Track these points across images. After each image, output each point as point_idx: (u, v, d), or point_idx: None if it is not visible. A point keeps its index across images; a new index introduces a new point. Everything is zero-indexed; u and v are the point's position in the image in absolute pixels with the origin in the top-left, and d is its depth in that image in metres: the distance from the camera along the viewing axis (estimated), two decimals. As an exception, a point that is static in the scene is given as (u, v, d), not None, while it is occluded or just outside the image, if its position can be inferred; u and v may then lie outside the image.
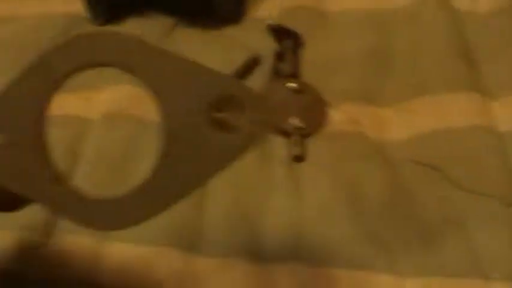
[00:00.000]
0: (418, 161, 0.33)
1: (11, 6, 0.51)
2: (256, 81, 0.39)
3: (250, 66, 0.39)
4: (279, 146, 0.36)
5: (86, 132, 0.39)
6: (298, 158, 0.34)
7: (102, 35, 0.19)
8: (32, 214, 0.32)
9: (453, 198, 0.32)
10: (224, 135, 0.18)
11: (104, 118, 0.39)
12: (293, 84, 0.37)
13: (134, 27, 0.46)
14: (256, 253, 0.31)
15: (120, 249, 0.32)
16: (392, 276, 0.29)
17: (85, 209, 0.19)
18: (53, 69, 0.19)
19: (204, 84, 0.18)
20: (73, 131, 0.39)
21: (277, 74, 0.39)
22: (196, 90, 0.18)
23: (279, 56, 0.39)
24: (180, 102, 0.18)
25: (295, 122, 0.35)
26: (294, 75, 0.38)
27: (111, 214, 0.19)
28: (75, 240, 0.33)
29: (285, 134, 0.35)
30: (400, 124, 0.36)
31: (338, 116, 0.37)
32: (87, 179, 0.36)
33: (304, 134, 0.35)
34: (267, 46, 0.41)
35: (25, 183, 0.19)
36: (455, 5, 0.42)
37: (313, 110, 0.37)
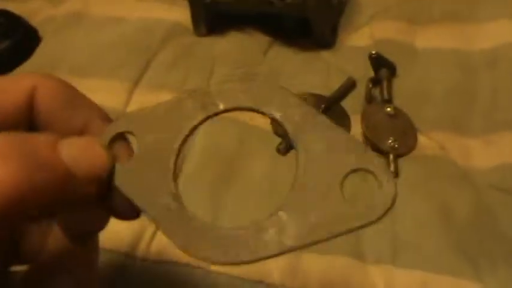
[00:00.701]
0: (501, 188, 0.38)
1: (120, 9, 0.55)
2: (348, 103, 0.44)
3: (347, 89, 0.43)
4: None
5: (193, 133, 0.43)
6: (393, 174, 0.39)
7: (264, 84, 0.21)
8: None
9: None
10: (356, 200, 0.19)
11: (211, 120, 0.43)
12: (389, 109, 0.42)
13: (233, 41, 0.50)
14: (357, 255, 0.35)
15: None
16: (478, 285, 0.34)
17: (192, 234, 0.19)
18: (213, 101, 0.20)
19: (345, 153, 0.19)
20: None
21: (371, 99, 0.44)
22: (337, 156, 0.19)
23: (374, 83, 0.44)
24: (320, 160, 0.19)
25: (391, 142, 0.40)
26: (389, 102, 0.43)
27: (219, 246, 0.18)
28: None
29: (382, 152, 0.40)
30: (485, 154, 0.40)
31: (427, 142, 0.41)
32: (197, 175, 0.40)
33: (398, 154, 0.40)
34: (356, 72, 0.45)
35: (145, 196, 0.19)
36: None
37: (405, 134, 0.41)
